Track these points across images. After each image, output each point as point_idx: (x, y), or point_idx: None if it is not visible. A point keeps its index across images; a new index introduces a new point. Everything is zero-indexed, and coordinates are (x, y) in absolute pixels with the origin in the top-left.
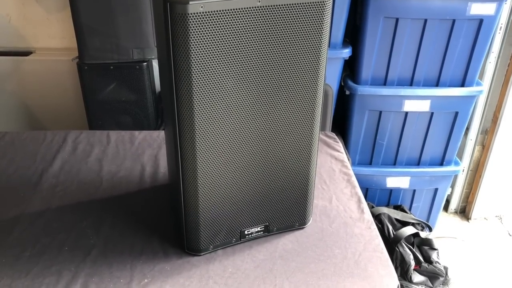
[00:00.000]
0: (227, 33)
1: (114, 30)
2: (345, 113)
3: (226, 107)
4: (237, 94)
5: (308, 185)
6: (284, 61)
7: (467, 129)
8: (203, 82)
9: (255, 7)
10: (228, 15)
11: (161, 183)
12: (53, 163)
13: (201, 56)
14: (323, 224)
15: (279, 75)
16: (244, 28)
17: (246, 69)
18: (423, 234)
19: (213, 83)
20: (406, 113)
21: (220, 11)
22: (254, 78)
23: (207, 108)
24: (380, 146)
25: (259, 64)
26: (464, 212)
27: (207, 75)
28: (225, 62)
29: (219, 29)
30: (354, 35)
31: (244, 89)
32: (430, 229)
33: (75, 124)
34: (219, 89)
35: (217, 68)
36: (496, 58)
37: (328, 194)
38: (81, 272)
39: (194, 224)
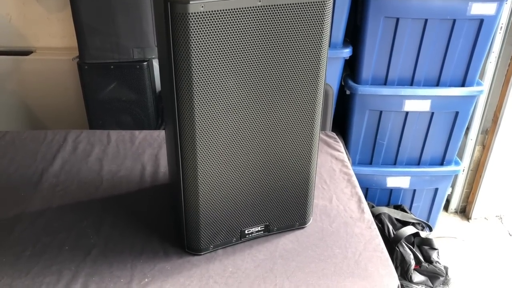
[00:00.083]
0: (228, 33)
1: (114, 29)
2: (346, 113)
3: (227, 106)
4: (238, 94)
5: (308, 185)
6: (285, 61)
7: (468, 129)
8: (204, 82)
9: (256, 7)
10: (229, 15)
11: (162, 182)
12: (53, 162)
13: (201, 56)
14: (324, 224)
15: (280, 75)
16: (245, 28)
17: (246, 68)
18: (423, 234)
19: (213, 82)
20: (407, 113)
21: (220, 10)
22: (255, 78)
23: (208, 108)
24: (380, 146)
25: (260, 64)
26: (464, 212)
27: (207, 74)
28: (226, 62)
29: (219, 28)
30: (354, 35)
31: (245, 88)
32: (430, 229)
33: (75, 124)
34: (220, 88)
35: (218, 68)
36: (496, 58)
37: (329, 194)
38: (81, 271)
39: (195, 224)
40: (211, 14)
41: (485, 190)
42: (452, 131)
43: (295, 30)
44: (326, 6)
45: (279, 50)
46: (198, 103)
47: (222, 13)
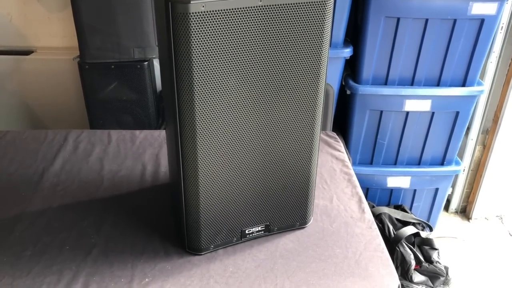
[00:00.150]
0: (228, 33)
1: (115, 29)
2: (346, 113)
3: (227, 106)
4: (238, 94)
5: (309, 185)
6: (285, 61)
7: (468, 129)
8: (204, 82)
9: (256, 7)
10: (229, 15)
11: (162, 182)
12: (54, 162)
13: (202, 56)
14: (324, 224)
15: (280, 75)
16: (245, 28)
17: (247, 68)
18: (424, 234)
19: (214, 82)
20: (407, 112)
21: (221, 10)
22: (255, 78)
23: (208, 108)
24: (381, 146)
25: (260, 64)
26: (464, 212)
27: (208, 74)
28: (226, 62)
29: (220, 28)
30: (355, 34)
31: (245, 88)
32: (431, 229)
33: (76, 123)
34: (220, 88)
35: (218, 68)
36: (497, 58)
37: (329, 194)
38: (82, 271)
39: (195, 224)
40: (212, 14)
41: (485, 190)
42: (452, 131)
43: (296, 30)
44: (327, 6)
45: (280, 50)
46: (198, 102)
47: (222, 13)
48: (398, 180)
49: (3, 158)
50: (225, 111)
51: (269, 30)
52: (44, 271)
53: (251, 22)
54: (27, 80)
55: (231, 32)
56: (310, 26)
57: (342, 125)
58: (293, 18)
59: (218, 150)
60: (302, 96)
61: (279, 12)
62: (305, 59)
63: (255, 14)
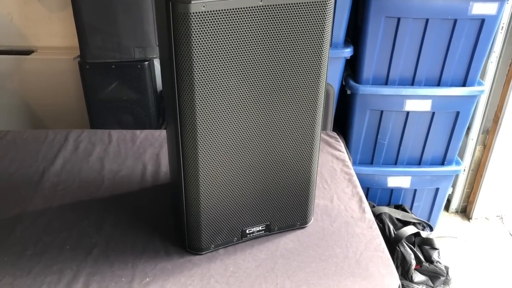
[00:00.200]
0: (229, 33)
1: (115, 29)
2: (347, 113)
3: (228, 106)
4: (239, 94)
5: (309, 185)
6: (286, 61)
7: (469, 128)
8: (205, 82)
9: (257, 7)
10: (230, 15)
11: (163, 182)
12: (54, 162)
13: (203, 56)
14: (324, 224)
15: (281, 75)
16: (246, 28)
17: (248, 68)
18: (424, 234)
19: (215, 82)
20: (408, 112)
21: (222, 10)
22: (256, 77)
23: (209, 107)
24: (381, 146)
25: (261, 63)
26: (465, 211)
27: (209, 74)
28: (227, 62)
29: (221, 28)
30: (355, 34)
31: (246, 88)
32: (431, 229)
33: (76, 123)
34: (221, 88)
35: (219, 67)
36: (497, 58)
37: (330, 194)
38: (82, 271)
39: (196, 223)
40: (212, 14)
41: (486, 190)
42: (453, 131)
43: (297, 30)
44: (327, 6)
45: (281, 50)
46: (199, 102)
47: (223, 12)
48: (398, 180)
49: (3, 158)
50: (225, 111)
51: (270, 30)
52: (44, 271)
53: (252, 22)
54: (28, 80)
55: (232, 32)
56: (311, 26)
57: (342, 125)
58: (293, 18)
59: (218, 150)
60: (302, 96)
61: (279, 12)
62: (306, 59)
63: (255, 14)
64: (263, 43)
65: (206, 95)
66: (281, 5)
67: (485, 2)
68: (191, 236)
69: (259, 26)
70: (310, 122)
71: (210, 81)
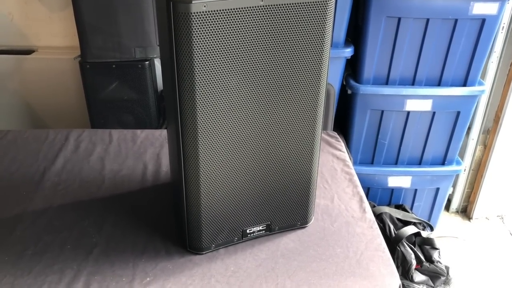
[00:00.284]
0: (230, 32)
1: (116, 28)
2: (347, 113)
3: (229, 106)
4: (240, 93)
5: (310, 184)
6: (287, 60)
7: (469, 128)
8: (206, 81)
9: (258, 7)
10: (231, 15)
11: (163, 181)
12: (55, 161)
13: (203, 55)
14: (325, 223)
15: (282, 74)
16: (247, 28)
17: (248, 68)
18: (425, 234)
19: (215, 82)
20: (408, 112)
21: (222, 10)
22: (257, 77)
23: (210, 107)
24: (381, 146)
25: (262, 63)
26: (465, 211)
27: (209, 74)
28: (228, 61)
29: (221, 28)
30: (356, 34)
31: (247, 88)
32: (432, 229)
33: (77, 123)
34: (222, 88)
35: (220, 67)
36: (498, 57)
37: (330, 193)
38: (83, 270)
39: (196, 223)
40: (213, 14)
41: (486, 190)
42: (453, 131)
43: (297, 30)
44: (328, 6)
45: (281, 50)
46: (200, 102)
47: (224, 12)
48: (399, 180)
49: (4, 157)
50: (226, 110)
51: (271, 30)
52: (45, 270)
53: (253, 22)
54: (28, 80)
55: (233, 32)
56: (312, 26)
57: (343, 124)
58: (294, 18)
59: (219, 150)
60: (303, 95)
61: (280, 12)
62: (306, 58)
63: (256, 14)
64: (264, 43)
65: (207, 94)
66: (282, 5)
67: (486, 2)
68: (192, 236)
69: (260, 26)
70: (310, 122)
71: (211, 81)
